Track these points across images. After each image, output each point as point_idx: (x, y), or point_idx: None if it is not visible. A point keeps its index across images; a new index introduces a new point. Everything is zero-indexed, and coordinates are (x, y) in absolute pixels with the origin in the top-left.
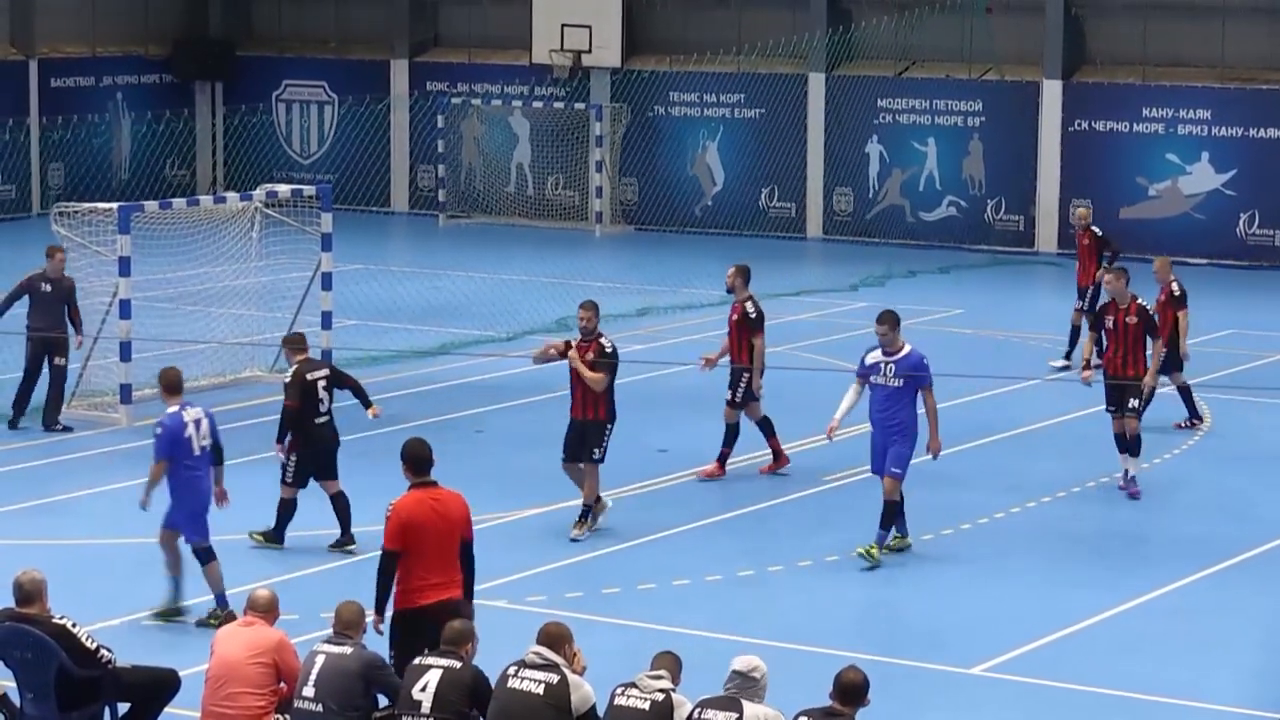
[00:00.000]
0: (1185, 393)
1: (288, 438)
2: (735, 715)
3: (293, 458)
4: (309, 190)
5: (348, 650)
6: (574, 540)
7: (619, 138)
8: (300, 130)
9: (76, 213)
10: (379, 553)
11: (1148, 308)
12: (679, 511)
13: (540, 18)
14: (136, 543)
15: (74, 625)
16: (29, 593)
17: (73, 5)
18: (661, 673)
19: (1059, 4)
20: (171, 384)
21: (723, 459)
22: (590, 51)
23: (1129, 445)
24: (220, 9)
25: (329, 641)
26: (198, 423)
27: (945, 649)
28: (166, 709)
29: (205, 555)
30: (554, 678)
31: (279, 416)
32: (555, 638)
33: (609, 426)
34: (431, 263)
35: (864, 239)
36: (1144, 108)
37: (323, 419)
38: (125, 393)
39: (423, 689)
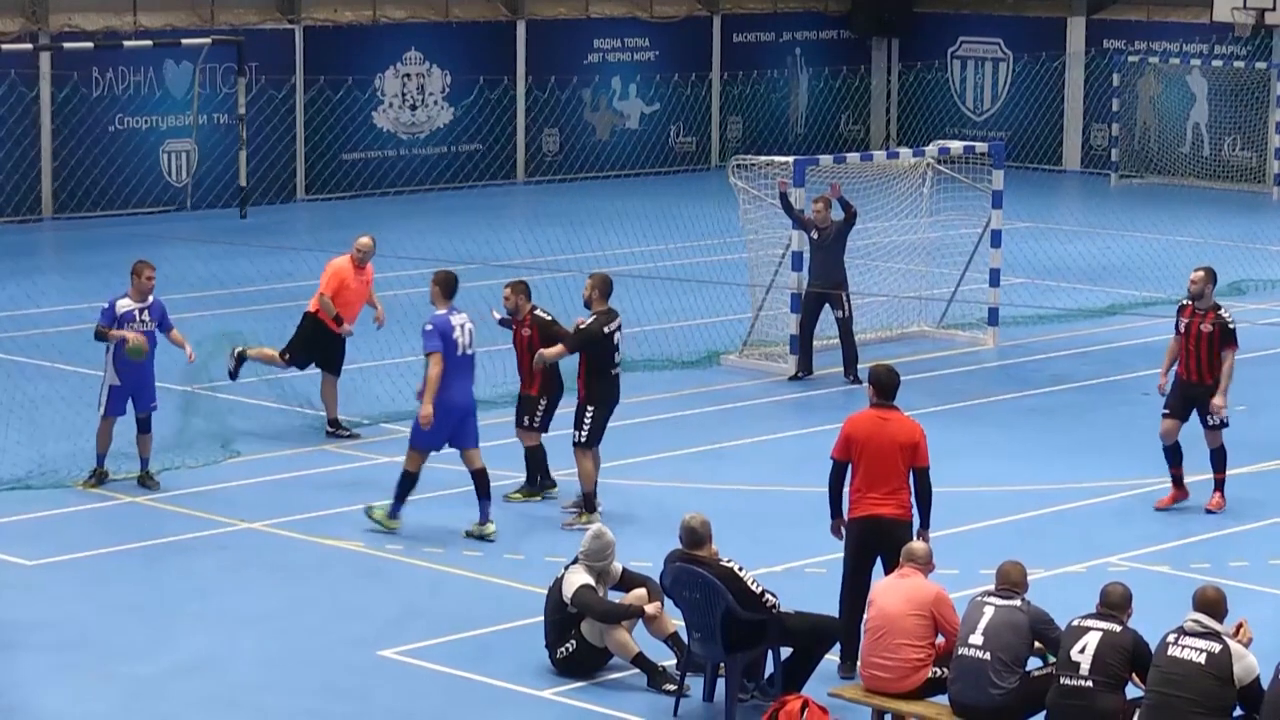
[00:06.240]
0: None
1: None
2: None
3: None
4: (981, 147)
5: (1017, 603)
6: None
7: None
8: (974, 87)
9: (754, 165)
10: None
11: None
12: None
13: None
14: (800, 490)
15: (740, 569)
16: (698, 535)
17: None
18: None
19: None
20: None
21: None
22: (1275, 10)
23: None
24: None
25: (996, 595)
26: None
27: None
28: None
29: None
30: (1216, 646)
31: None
32: (1214, 603)
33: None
34: (1102, 222)
35: None
36: None
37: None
38: (794, 344)
39: (1081, 650)
